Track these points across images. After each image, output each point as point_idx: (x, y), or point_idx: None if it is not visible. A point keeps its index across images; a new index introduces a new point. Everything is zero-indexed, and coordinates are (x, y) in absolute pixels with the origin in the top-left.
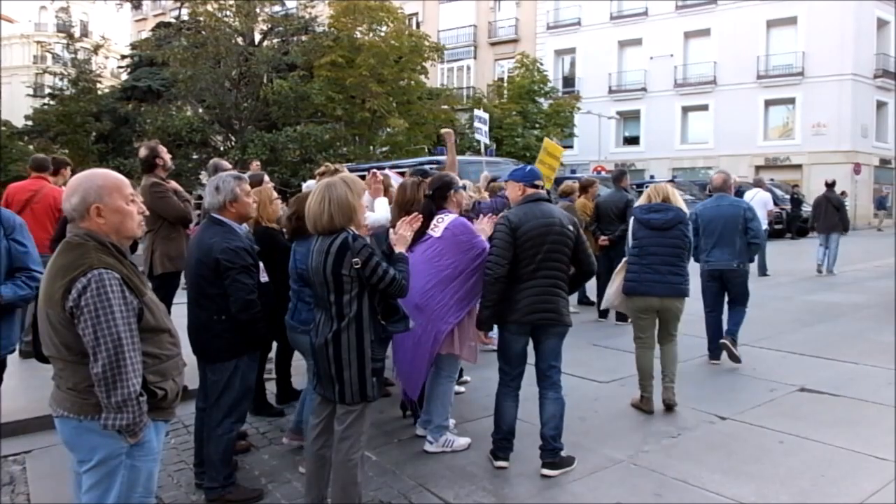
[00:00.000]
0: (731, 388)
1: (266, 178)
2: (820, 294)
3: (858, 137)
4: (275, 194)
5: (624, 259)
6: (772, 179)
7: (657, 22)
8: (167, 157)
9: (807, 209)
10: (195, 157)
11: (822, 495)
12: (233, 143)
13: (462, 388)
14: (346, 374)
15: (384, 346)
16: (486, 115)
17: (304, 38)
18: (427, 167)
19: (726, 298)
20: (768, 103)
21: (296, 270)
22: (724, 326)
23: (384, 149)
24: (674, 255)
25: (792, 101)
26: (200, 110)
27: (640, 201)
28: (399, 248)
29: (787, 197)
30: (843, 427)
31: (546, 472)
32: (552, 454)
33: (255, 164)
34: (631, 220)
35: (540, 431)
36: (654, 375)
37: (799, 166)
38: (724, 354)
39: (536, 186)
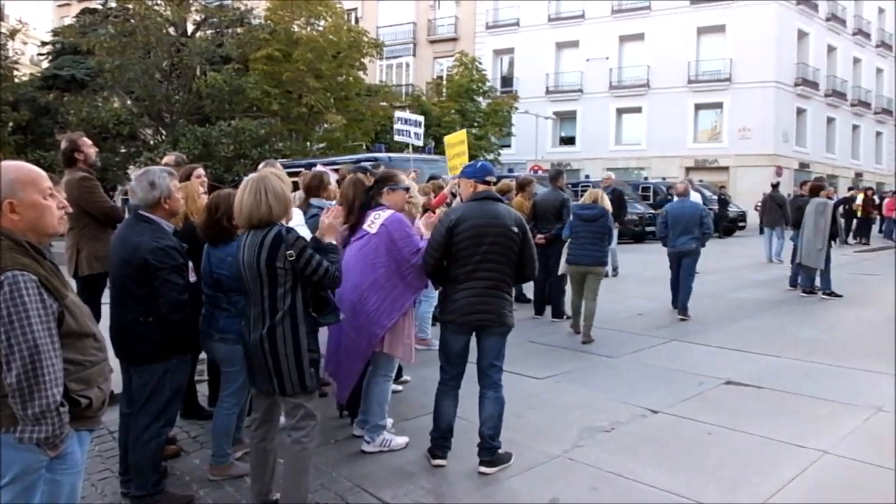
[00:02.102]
0: (663, 383)
1: (201, 171)
2: (744, 291)
3: (780, 142)
4: (201, 189)
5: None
6: (700, 181)
7: (593, 25)
8: (90, 150)
9: (733, 209)
10: (123, 150)
11: (747, 484)
12: (163, 137)
13: (400, 387)
14: (283, 366)
15: (316, 338)
16: (418, 118)
17: (239, 30)
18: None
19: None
20: (698, 107)
21: (211, 276)
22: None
23: (321, 145)
24: (597, 238)
25: (720, 105)
26: (129, 102)
27: (581, 201)
28: (328, 238)
29: (715, 198)
30: (766, 418)
31: (483, 469)
32: (490, 452)
33: (170, 158)
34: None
35: (479, 430)
36: (581, 312)
37: (726, 168)
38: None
39: (487, 183)
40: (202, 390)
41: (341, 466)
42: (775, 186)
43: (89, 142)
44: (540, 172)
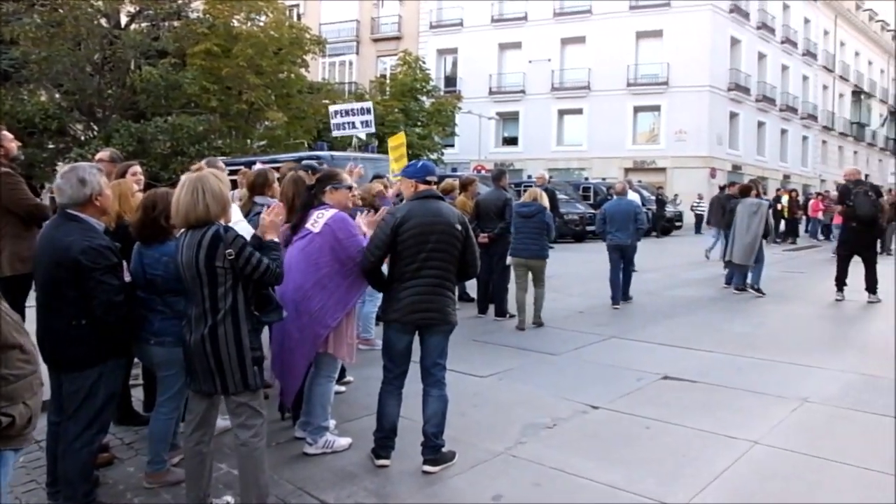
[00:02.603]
0: (603, 379)
1: (138, 168)
2: (680, 289)
3: (714, 144)
4: (136, 187)
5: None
6: (639, 181)
7: (536, 27)
8: (11, 144)
9: (670, 210)
10: (51, 146)
11: (683, 475)
12: (95, 133)
13: (343, 388)
14: (226, 365)
15: (259, 337)
16: (364, 105)
17: (176, 23)
18: (313, 162)
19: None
20: (637, 110)
21: (144, 277)
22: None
23: (262, 143)
24: (536, 233)
25: (658, 108)
26: (57, 95)
27: (521, 200)
28: (269, 236)
29: (653, 198)
30: (701, 411)
31: (427, 468)
32: (434, 451)
33: (105, 154)
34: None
35: (422, 429)
36: (526, 309)
37: (663, 169)
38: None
39: (429, 182)
40: (137, 394)
41: (283, 469)
42: (723, 189)
43: (10, 136)
44: (483, 172)
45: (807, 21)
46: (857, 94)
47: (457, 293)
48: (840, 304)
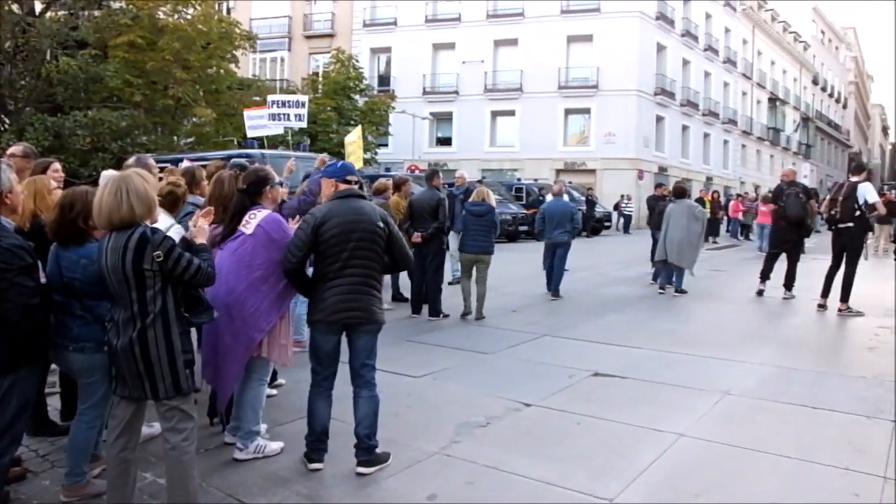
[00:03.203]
0: (535, 377)
1: (58, 165)
2: (609, 288)
3: (641, 147)
4: (54, 184)
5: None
6: (570, 182)
7: (469, 28)
8: None
9: (600, 210)
10: None
11: (613, 468)
12: (6, 126)
13: (274, 391)
14: (156, 369)
15: (190, 339)
16: (300, 98)
17: (96, 13)
18: (243, 161)
19: None
20: (568, 112)
21: (61, 280)
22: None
23: (189, 140)
24: (485, 230)
25: (588, 111)
26: None
27: (472, 199)
28: (199, 240)
29: (583, 198)
30: (630, 406)
31: (361, 470)
32: (367, 452)
33: (18, 148)
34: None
35: (354, 430)
36: (471, 296)
37: (593, 171)
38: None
39: (349, 182)
40: (53, 403)
41: (212, 476)
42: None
43: None
44: (417, 172)
45: (727, 30)
46: (773, 100)
47: (391, 293)
48: (759, 301)
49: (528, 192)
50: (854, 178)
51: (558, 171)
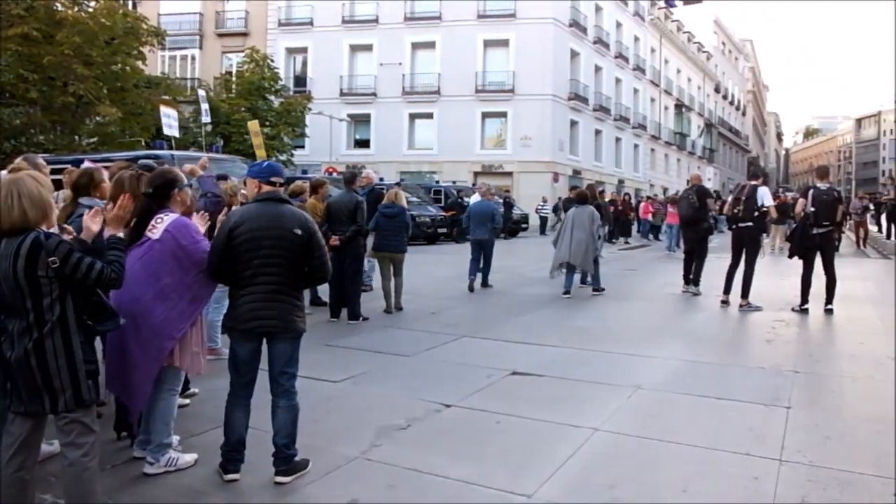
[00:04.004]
0: (454, 378)
1: None
2: (527, 288)
3: (556, 150)
4: None
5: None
6: (489, 185)
7: (387, 30)
8: None
9: (517, 212)
10: None
11: (531, 465)
12: None
13: (187, 401)
14: (56, 382)
15: (93, 348)
16: (200, 93)
17: None
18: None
19: None
20: (485, 115)
21: None
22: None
23: (92, 140)
24: (397, 231)
25: (504, 115)
26: None
27: (384, 202)
28: (111, 230)
29: (501, 200)
30: (547, 403)
31: (279, 479)
32: (285, 461)
33: None
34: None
35: (272, 440)
36: (391, 295)
37: (510, 173)
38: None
39: (273, 184)
40: None
41: (121, 493)
42: (601, 193)
43: None
44: (334, 174)
45: (637, 39)
46: (679, 107)
47: (309, 297)
48: (668, 298)
49: (446, 195)
50: (753, 183)
51: (476, 174)
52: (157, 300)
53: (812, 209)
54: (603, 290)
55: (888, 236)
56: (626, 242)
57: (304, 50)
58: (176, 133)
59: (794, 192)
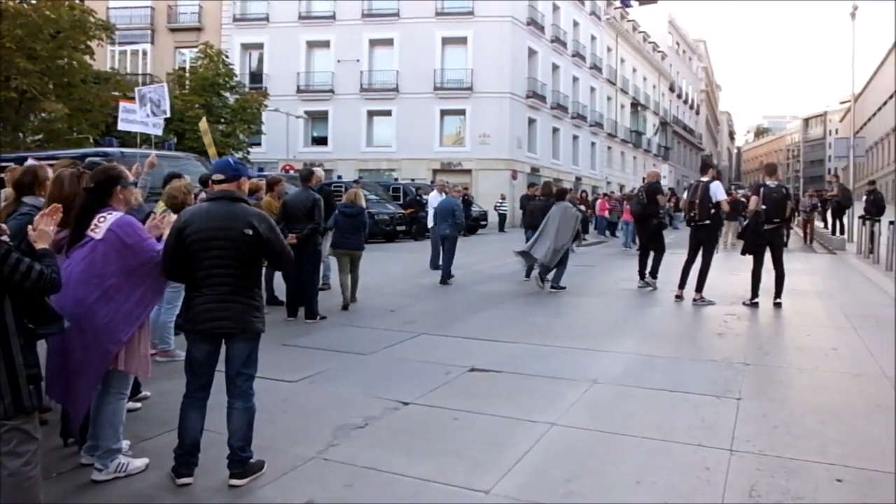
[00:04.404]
0: (412, 375)
1: None
2: (485, 285)
3: (515, 148)
4: None
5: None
6: (447, 182)
7: (344, 27)
8: None
9: (476, 209)
10: None
11: (489, 460)
12: None
13: (138, 405)
14: None
15: (35, 352)
16: (154, 89)
17: None
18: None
19: None
20: (443, 113)
21: None
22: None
23: (38, 137)
24: (356, 229)
25: (463, 112)
26: None
27: (343, 201)
28: (40, 245)
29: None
30: (505, 399)
31: (234, 482)
32: (240, 464)
33: None
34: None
35: (227, 442)
36: (348, 290)
37: (469, 171)
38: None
39: (216, 182)
40: None
41: (68, 502)
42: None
43: None
44: (291, 172)
45: (593, 38)
46: (635, 106)
47: (265, 297)
48: (624, 293)
49: (405, 192)
50: (703, 178)
51: (435, 171)
52: (101, 302)
53: (763, 206)
54: (564, 288)
55: (833, 232)
56: (584, 239)
57: (259, 46)
58: (137, 129)
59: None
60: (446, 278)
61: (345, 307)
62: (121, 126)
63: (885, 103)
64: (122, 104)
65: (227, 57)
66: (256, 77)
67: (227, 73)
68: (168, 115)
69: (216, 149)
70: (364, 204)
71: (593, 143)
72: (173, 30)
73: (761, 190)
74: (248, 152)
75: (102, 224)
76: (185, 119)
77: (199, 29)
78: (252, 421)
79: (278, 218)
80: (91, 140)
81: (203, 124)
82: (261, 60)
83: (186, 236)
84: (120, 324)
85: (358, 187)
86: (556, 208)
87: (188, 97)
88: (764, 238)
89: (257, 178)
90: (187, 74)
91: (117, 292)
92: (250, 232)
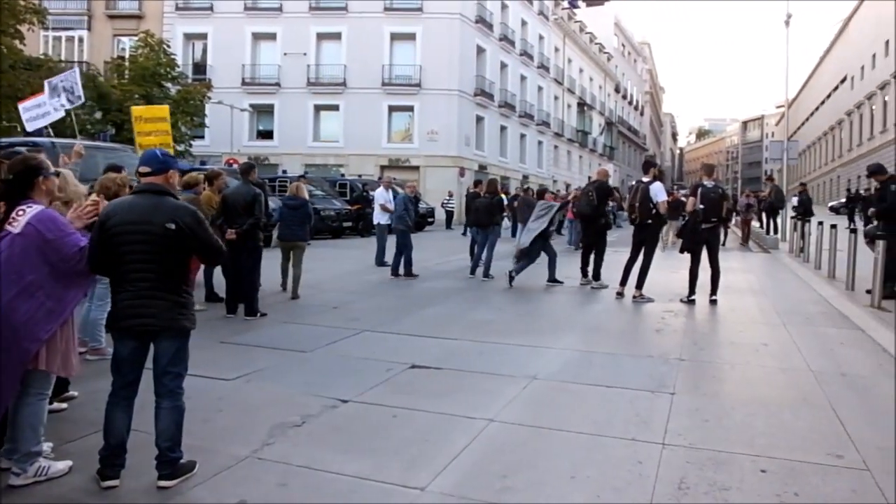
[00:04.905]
0: (353, 372)
1: None
2: (430, 282)
3: (463, 145)
4: None
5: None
6: (394, 178)
7: (291, 20)
8: None
9: (423, 206)
10: None
11: (425, 458)
12: None
13: (64, 405)
14: None
15: None
16: (65, 77)
17: None
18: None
19: None
20: (392, 109)
21: None
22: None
23: None
24: (300, 221)
25: (411, 109)
26: None
27: (287, 194)
28: None
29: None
30: (445, 396)
31: (163, 483)
32: (169, 465)
33: None
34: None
35: (155, 442)
36: (287, 277)
37: (417, 168)
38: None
39: (142, 174)
40: None
41: None
42: (525, 191)
43: None
44: (235, 166)
45: (541, 38)
46: (582, 105)
47: (204, 293)
48: (567, 290)
49: (352, 188)
50: (644, 179)
51: (383, 168)
52: (20, 299)
53: (701, 206)
54: (561, 282)
55: (767, 232)
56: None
57: (203, 36)
58: (44, 122)
59: (687, 189)
60: (396, 272)
61: (283, 286)
62: (29, 127)
63: (817, 108)
64: (21, 105)
65: (168, 46)
66: (200, 68)
67: (169, 63)
68: (83, 100)
69: (153, 139)
70: (307, 196)
71: (540, 142)
72: (112, 17)
73: (699, 190)
74: (191, 145)
75: (21, 217)
76: (123, 109)
77: (139, 17)
78: (181, 420)
79: (218, 213)
80: (19, 129)
81: (161, 111)
82: (205, 51)
83: (108, 229)
84: (41, 322)
85: (302, 181)
86: (539, 204)
87: (127, 87)
88: (701, 237)
89: (196, 172)
90: (127, 63)
91: (38, 289)
92: (172, 226)
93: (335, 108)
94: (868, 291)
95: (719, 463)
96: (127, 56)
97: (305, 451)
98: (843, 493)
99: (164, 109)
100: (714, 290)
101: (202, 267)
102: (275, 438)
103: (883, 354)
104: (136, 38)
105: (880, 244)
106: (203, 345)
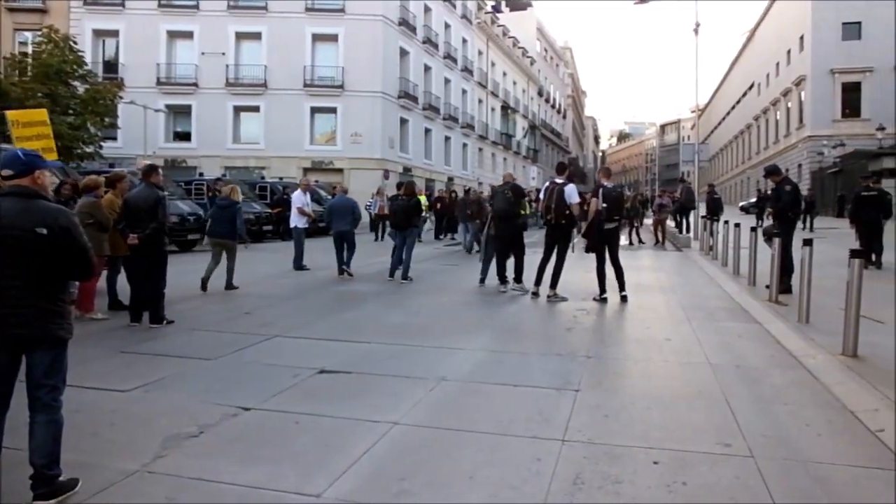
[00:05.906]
0: (258, 379)
1: None
2: (349, 284)
3: (387, 147)
4: None
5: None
6: (317, 181)
7: (209, 18)
8: None
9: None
10: None
11: (323, 464)
12: None
13: None
14: None
15: None
16: None
17: None
18: None
19: None
20: (314, 111)
21: None
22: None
23: None
24: (230, 220)
25: (334, 110)
26: None
27: (220, 195)
28: None
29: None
30: (351, 400)
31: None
32: (46, 484)
33: None
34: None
35: (29, 460)
36: (212, 271)
37: (341, 170)
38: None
39: (17, 177)
40: None
41: None
42: (467, 191)
43: None
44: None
45: (465, 41)
46: (505, 109)
47: (107, 302)
48: (483, 292)
49: (272, 191)
50: (558, 179)
51: (306, 170)
52: None
53: (604, 205)
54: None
55: (679, 231)
56: (452, 238)
57: (115, 33)
58: None
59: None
60: (346, 272)
61: (206, 277)
62: None
63: (728, 113)
64: None
65: (75, 43)
66: (112, 67)
67: (76, 60)
68: None
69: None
70: (240, 199)
71: (465, 144)
72: (12, 10)
73: (601, 190)
74: (101, 146)
75: None
76: (25, 108)
77: (43, 10)
78: (59, 435)
79: (120, 216)
80: None
81: (40, 114)
82: (117, 49)
83: None
84: None
85: (219, 184)
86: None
87: (29, 85)
88: (604, 236)
89: (96, 175)
90: (29, 60)
91: None
92: (44, 231)
93: (256, 109)
94: (767, 286)
95: (615, 457)
96: (29, 52)
97: (199, 462)
98: (727, 480)
99: (42, 112)
100: (622, 287)
101: (104, 273)
102: (168, 451)
103: (776, 346)
104: (38, 34)
105: (776, 241)
106: (101, 355)
